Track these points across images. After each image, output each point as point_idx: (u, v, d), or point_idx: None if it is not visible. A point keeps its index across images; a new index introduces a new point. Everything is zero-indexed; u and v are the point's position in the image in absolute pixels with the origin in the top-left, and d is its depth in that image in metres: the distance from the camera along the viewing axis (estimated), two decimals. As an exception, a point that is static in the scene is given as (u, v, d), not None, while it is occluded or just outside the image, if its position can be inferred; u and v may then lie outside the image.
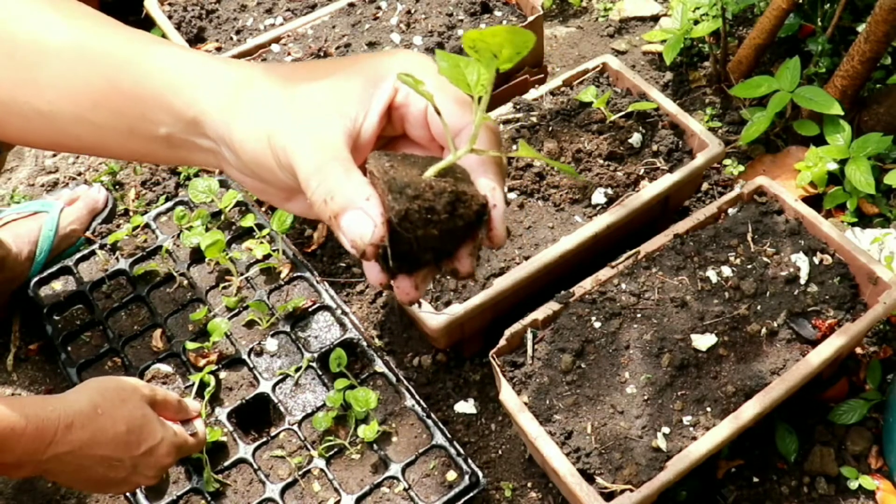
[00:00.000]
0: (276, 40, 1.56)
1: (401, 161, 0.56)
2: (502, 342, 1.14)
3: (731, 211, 1.27)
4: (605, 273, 1.21)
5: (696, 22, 1.71)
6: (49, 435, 0.93)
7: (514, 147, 1.34)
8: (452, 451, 1.23)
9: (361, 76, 0.60)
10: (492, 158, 0.56)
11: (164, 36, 1.62)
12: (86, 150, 0.73)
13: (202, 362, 1.34)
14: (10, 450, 0.90)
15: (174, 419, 1.12)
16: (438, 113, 0.55)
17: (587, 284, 1.20)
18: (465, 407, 1.32)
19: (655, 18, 1.89)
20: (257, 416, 1.31)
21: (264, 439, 1.26)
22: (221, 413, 1.28)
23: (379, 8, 1.59)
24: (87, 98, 0.66)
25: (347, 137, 0.58)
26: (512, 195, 1.30)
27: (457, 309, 1.19)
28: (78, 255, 1.49)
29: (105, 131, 0.68)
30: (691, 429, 1.07)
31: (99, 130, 0.68)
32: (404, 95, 0.60)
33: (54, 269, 1.47)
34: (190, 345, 1.35)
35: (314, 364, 1.33)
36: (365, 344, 1.35)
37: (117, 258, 1.49)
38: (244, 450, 1.25)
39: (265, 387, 1.31)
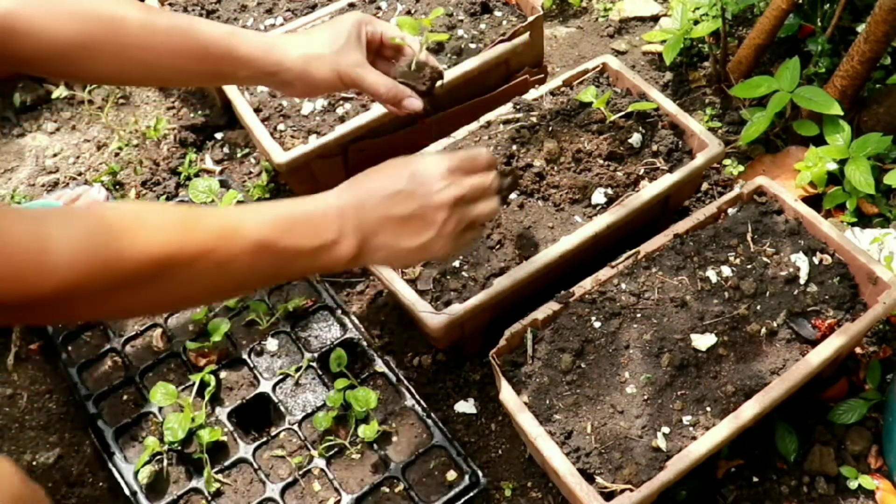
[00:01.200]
0: (277, 40, 1.56)
1: (399, 74, 1.17)
2: (502, 342, 1.14)
3: (730, 211, 1.27)
4: (605, 273, 1.21)
5: (696, 22, 1.71)
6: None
7: (513, 146, 1.34)
8: (452, 450, 1.23)
9: (348, 25, 1.14)
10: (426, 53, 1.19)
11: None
12: (162, 83, 1.39)
13: (202, 362, 1.34)
14: (327, 227, 0.93)
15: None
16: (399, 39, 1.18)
17: (587, 284, 1.20)
18: (465, 407, 1.32)
19: (655, 18, 1.89)
20: (257, 416, 1.31)
21: (264, 439, 1.26)
22: (221, 413, 1.28)
23: (379, 8, 1.59)
24: (181, 57, 1.07)
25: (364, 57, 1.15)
26: (512, 195, 1.30)
27: (457, 309, 1.19)
28: (78, 255, 1.49)
29: (192, 76, 1.13)
30: (691, 428, 1.07)
31: (186, 75, 1.12)
32: (370, 32, 1.16)
33: (55, 269, 1.47)
34: (190, 345, 1.35)
35: (314, 364, 1.33)
36: (365, 344, 1.35)
37: (118, 258, 1.49)
38: (244, 449, 1.25)
39: (265, 387, 1.31)
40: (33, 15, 0.99)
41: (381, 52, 1.21)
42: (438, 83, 1.19)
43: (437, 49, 1.48)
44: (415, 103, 1.16)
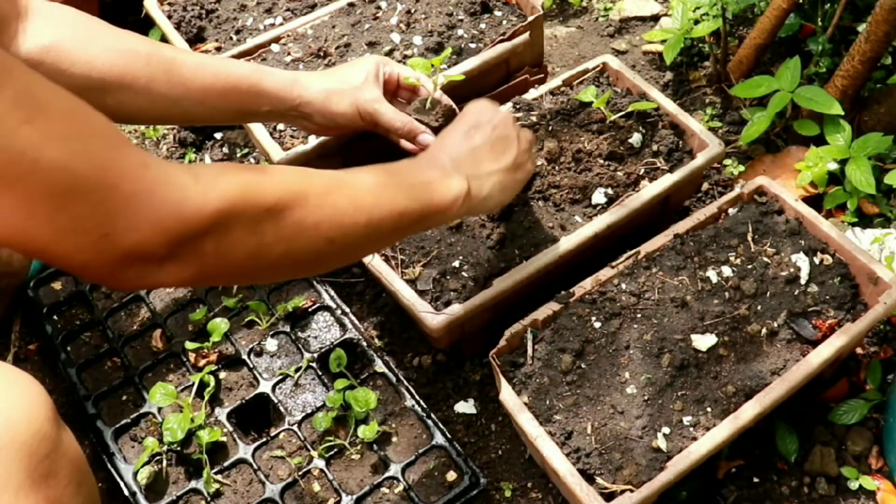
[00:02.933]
0: (276, 40, 1.56)
1: (413, 111, 1.25)
2: (502, 342, 1.14)
3: (731, 211, 1.27)
4: (605, 273, 1.21)
5: (697, 22, 1.71)
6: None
7: None
8: (452, 451, 1.23)
9: (368, 65, 1.23)
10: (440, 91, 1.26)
11: (163, 36, 1.62)
12: (188, 120, 1.31)
13: (202, 362, 1.34)
14: (449, 184, 1.02)
15: None
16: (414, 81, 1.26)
17: (587, 284, 1.20)
18: (465, 407, 1.32)
19: (655, 18, 1.89)
20: (257, 417, 1.31)
21: (264, 439, 1.26)
22: (221, 413, 1.28)
23: (379, 8, 1.59)
24: (209, 93, 1.12)
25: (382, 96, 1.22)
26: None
27: (457, 309, 1.19)
28: (78, 256, 1.49)
29: (215, 111, 1.15)
30: (691, 429, 1.07)
31: (211, 111, 1.15)
32: (387, 73, 1.25)
33: (54, 269, 1.47)
34: (190, 345, 1.35)
35: (314, 364, 1.33)
36: (365, 344, 1.35)
37: (117, 258, 1.49)
38: (244, 450, 1.25)
39: (265, 387, 1.31)
40: (69, 50, 1.03)
41: (397, 94, 1.29)
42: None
43: (437, 49, 1.48)
44: (428, 139, 1.21)
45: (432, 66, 1.25)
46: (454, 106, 1.27)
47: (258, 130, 1.41)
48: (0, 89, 0.63)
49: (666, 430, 1.06)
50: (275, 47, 1.54)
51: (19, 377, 0.73)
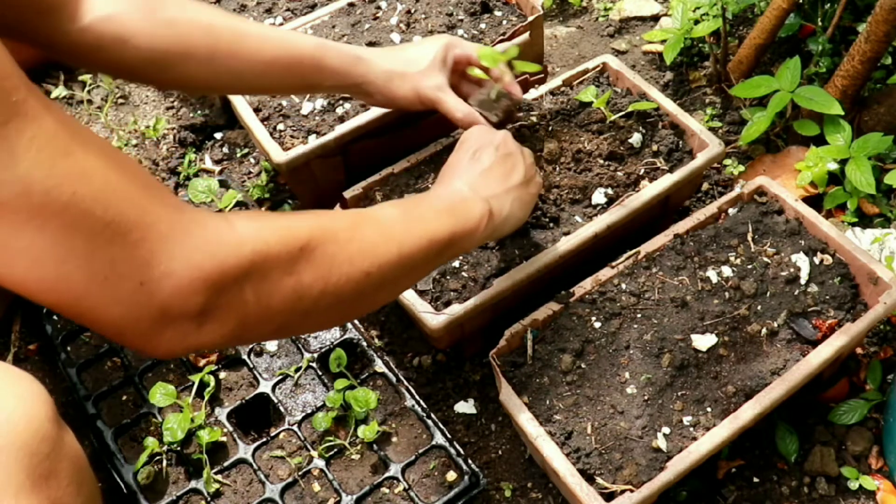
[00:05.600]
0: (276, 40, 1.55)
1: (477, 103, 1.23)
2: (502, 342, 1.14)
3: (731, 211, 1.27)
4: (605, 273, 1.21)
5: (697, 22, 1.71)
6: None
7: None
8: (452, 451, 1.23)
9: (436, 47, 1.21)
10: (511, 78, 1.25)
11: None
12: (250, 92, 1.39)
13: (202, 362, 1.34)
14: (470, 205, 1.01)
15: None
16: (485, 69, 1.23)
17: (587, 284, 1.20)
18: (465, 407, 1.32)
19: (655, 18, 1.89)
20: (257, 417, 1.31)
21: (264, 439, 1.26)
22: (221, 413, 1.28)
23: (379, 8, 1.59)
24: (272, 66, 1.12)
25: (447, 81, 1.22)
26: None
27: (457, 309, 1.19)
28: (77, 255, 1.49)
29: (278, 85, 1.20)
30: (691, 429, 1.07)
31: (273, 84, 1.18)
32: (456, 55, 1.23)
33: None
34: (190, 345, 1.34)
35: (314, 364, 1.33)
36: (365, 344, 1.35)
37: (117, 258, 1.49)
38: (244, 450, 1.25)
39: (265, 387, 1.31)
40: (131, 21, 1.03)
41: (466, 75, 1.26)
42: (518, 113, 1.33)
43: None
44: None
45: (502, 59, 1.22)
46: (521, 99, 1.26)
47: (258, 130, 1.41)
48: (37, 121, 0.61)
49: (666, 430, 1.06)
50: (275, 47, 1.54)
51: (19, 377, 0.72)
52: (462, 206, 1.00)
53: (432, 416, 1.27)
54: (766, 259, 1.21)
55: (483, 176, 1.06)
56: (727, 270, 1.19)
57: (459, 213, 0.98)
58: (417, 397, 1.29)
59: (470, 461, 1.22)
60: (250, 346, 1.35)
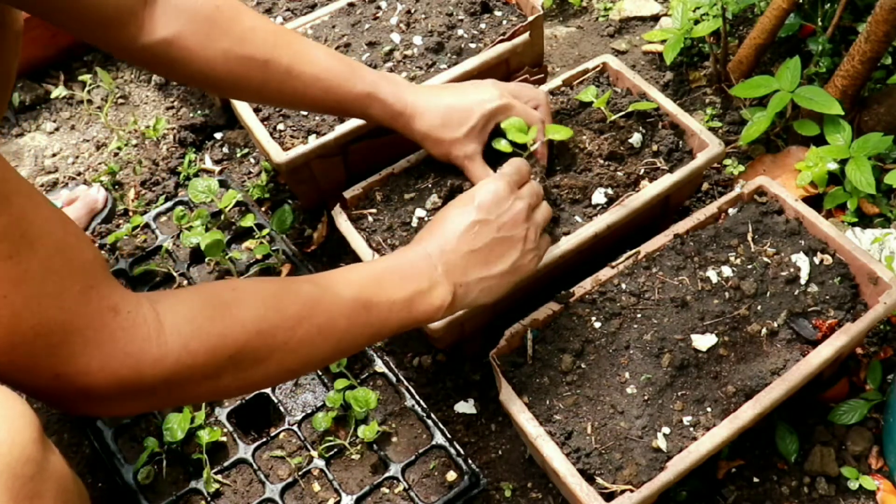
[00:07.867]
0: (276, 40, 1.55)
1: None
2: (502, 342, 1.14)
3: (731, 211, 1.27)
4: (605, 273, 1.21)
5: (697, 22, 1.71)
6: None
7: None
8: (452, 451, 1.23)
9: (481, 111, 1.20)
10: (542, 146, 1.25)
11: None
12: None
13: (202, 362, 1.34)
14: (417, 275, 0.98)
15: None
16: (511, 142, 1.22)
17: (587, 284, 1.20)
18: (465, 407, 1.32)
19: (655, 18, 1.89)
20: (257, 417, 1.31)
21: (264, 439, 1.26)
22: (221, 413, 1.28)
23: (379, 8, 1.59)
24: (317, 105, 1.19)
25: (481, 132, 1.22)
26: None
27: (457, 309, 1.19)
28: (77, 255, 1.49)
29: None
30: (691, 429, 1.07)
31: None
32: (498, 121, 1.22)
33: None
34: (189, 345, 1.34)
35: (314, 364, 1.32)
36: (365, 344, 1.34)
37: (117, 258, 1.49)
38: (244, 450, 1.25)
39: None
40: (190, 47, 1.07)
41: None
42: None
43: (437, 48, 1.48)
44: None
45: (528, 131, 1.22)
46: (545, 164, 1.27)
47: (258, 130, 1.41)
48: None
49: (666, 430, 1.06)
50: (275, 47, 1.54)
51: (5, 397, 0.73)
52: (423, 298, 0.97)
53: (432, 416, 1.27)
54: (766, 259, 1.21)
55: (466, 259, 1.01)
56: (727, 270, 1.19)
57: (416, 306, 0.96)
58: (417, 397, 1.29)
59: (470, 461, 1.22)
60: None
